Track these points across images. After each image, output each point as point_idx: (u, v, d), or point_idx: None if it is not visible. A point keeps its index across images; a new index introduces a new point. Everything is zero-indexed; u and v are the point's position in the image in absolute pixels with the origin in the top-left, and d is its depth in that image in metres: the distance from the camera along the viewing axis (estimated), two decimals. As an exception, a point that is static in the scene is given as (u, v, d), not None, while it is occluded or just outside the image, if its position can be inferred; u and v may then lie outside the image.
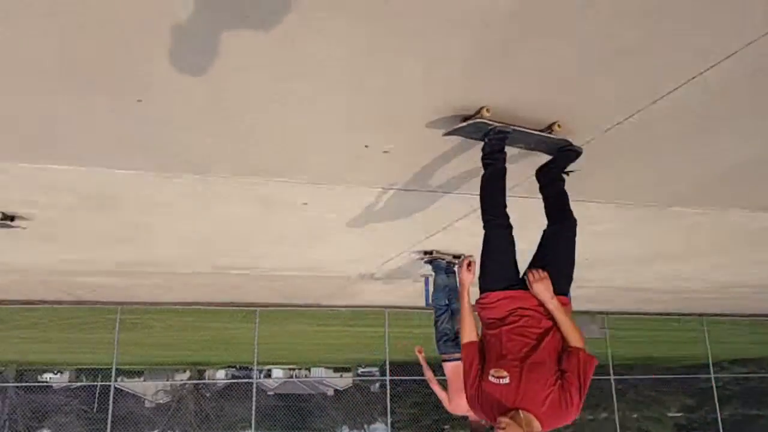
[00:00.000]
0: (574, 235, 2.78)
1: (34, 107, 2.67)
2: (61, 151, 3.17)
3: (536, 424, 2.18)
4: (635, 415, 16.96)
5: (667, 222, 4.85)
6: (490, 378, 2.30)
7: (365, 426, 20.58)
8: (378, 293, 8.91)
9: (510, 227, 2.69)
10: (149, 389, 20.01)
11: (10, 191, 3.84)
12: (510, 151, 2.89)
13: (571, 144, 2.92)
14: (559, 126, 2.85)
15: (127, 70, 2.36)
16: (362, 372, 19.11)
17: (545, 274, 2.46)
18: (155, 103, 2.64)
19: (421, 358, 5.37)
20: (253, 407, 10.72)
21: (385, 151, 3.25)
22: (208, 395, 20.11)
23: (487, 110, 2.66)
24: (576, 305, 7.87)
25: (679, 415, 17.43)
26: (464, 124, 2.70)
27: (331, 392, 22.41)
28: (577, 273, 7.37)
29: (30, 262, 6.17)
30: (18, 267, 6.43)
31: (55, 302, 9.37)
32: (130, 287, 8.05)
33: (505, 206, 2.74)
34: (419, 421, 16.66)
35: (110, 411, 10.38)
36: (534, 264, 2.63)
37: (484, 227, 2.72)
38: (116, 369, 11.60)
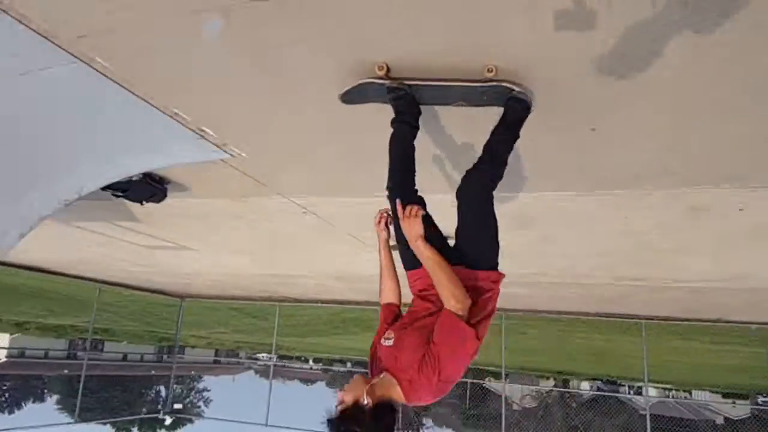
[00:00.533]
0: (475, 190, 2.20)
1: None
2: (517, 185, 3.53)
3: (396, 390, 1.91)
4: None
5: None
6: (382, 340, 2.11)
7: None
8: None
9: (417, 199, 2.27)
10: (515, 393, 20.72)
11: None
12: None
13: (512, 90, 2.26)
14: (489, 71, 2.20)
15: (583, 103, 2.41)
16: (764, 401, 16.26)
17: (417, 210, 2.11)
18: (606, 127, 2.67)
19: None
20: (648, 426, 9.78)
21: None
22: (573, 405, 19.87)
23: (379, 68, 2.24)
24: None
25: None
26: (350, 87, 2.34)
27: (720, 420, 19.40)
28: None
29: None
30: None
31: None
32: (517, 296, 8.50)
33: (410, 179, 2.36)
34: None
35: (503, 411, 10.63)
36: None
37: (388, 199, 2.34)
38: (482, 369, 12.29)
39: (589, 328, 9.87)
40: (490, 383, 19.72)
